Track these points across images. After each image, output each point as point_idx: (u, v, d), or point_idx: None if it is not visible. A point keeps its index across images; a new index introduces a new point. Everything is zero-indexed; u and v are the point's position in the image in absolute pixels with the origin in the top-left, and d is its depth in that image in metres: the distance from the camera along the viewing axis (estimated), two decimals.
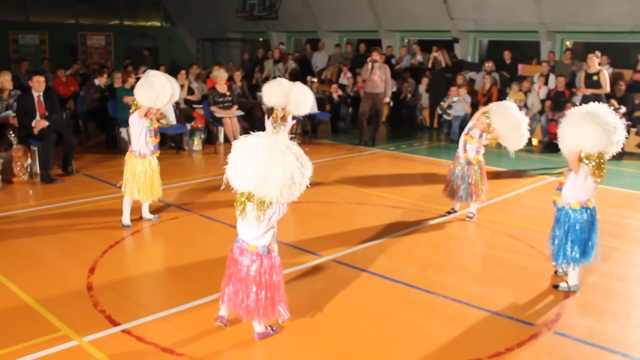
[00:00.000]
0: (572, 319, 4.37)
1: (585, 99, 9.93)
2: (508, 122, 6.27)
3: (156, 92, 5.92)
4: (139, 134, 6.15)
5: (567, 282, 4.85)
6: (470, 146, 6.55)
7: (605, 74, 10.47)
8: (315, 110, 12.36)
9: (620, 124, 4.48)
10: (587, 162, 4.53)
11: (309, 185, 3.66)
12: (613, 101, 10.42)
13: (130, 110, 6.19)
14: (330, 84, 14.33)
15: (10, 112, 8.79)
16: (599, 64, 10.77)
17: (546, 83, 12.29)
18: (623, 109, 10.47)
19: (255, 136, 3.58)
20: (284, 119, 7.26)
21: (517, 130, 6.28)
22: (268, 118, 7.32)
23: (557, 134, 4.63)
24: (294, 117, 7.59)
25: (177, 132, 10.46)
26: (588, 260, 4.75)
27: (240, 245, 3.85)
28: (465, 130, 6.62)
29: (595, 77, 10.48)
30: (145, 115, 6.11)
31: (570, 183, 4.67)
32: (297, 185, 3.54)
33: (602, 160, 4.52)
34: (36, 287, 4.74)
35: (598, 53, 10.82)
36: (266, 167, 3.43)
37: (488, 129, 6.37)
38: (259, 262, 3.80)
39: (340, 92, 13.38)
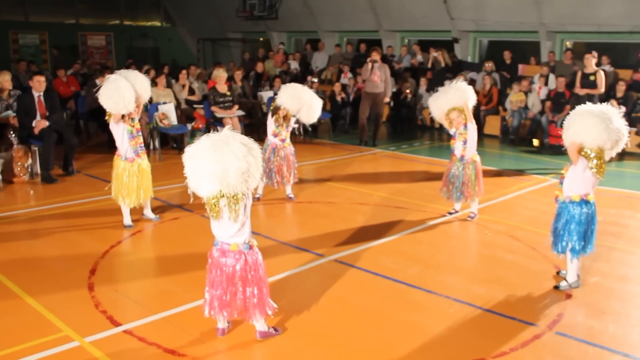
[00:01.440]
0: (573, 319, 4.38)
1: (578, 99, 9.95)
2: (457, 97, 6.48)
3: (116, 100, 5.81)
4: (121, 138, 6.10)
5: (566, 280, 4.86)
6: (458, 143, 6.58)
7: (602, 75, 10.47)
8: None
9: (625, 129, 4.57)
10: (587, 154, 4.59)
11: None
12: (613, 101, 10.42)
13: (106, 117, 6.09)
14: (330, 84, 14.31)
15: (10, 112, 8.79)
16: (598, 64, 10.77)
17: (546, 84, 12.29)
18: (623, 109, 10.47)
19: (197, 141, 3.62)
20: (286, 119, 7.26)
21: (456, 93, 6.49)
22: (272, 116, 7.30)
23: (562, 127, 4.73)
24: (296, 121, 7.57)
25: (178, 133, 10.46)
26: (587, 252, 4.80)
27: (220, 247, 3.83)
28: (453, 136, 6.64)
29: (592, 77, 10.47)
30: (123, 119, 6.03)
31: (570, 176, 4.75)
32: (253, 168, 3.57)
33: (601, 158, 4.58)
34: (37, 287, 4.74)
35: (595, 53, 10.81)
36: (218, 162, 3.47)
37: (461, 114, 6.50)
38: (243, 260, 3.80)
39: (343, 95, 13.35)
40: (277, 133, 7.28)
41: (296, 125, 8.01)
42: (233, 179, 3.52)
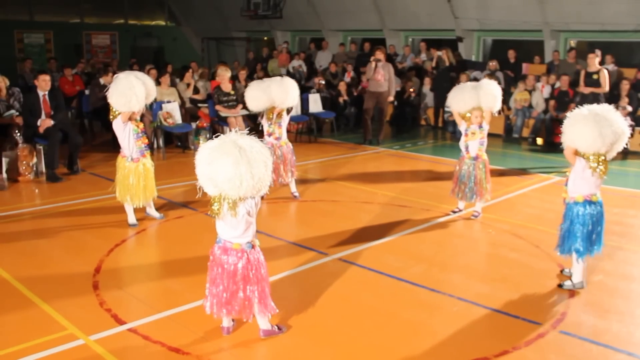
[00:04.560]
0: (577, 318, 4.37)
1: (584, 98, 9.93)
2: (487, 100, 6.45)
3: (128, 97, 5.82)
4: (127, 139, 6.09)
5: (571, 280, 4.86)
6: (473, 142, 6.55)
7: (605, 73, 10.46)
8: (319, 109, 12.39)
9: (625, 131, 4.51)
10: (584, 157, 4.58)
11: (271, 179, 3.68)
12: (623, 101, 10.40)
13: (111, 117, 6.09)
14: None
15: (13, 112, 8.82)
16: (601, 63, 10.75)
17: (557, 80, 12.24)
18: (630, 108, 10.45)
19: (206, 142, 3.61)
20: (279, 116, 7.22)
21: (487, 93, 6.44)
22: (262, 118, 7.29)
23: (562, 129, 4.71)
24: (288, 112, 7.44)
25: (182, 131, 10.49)
26: (593, 253, 4.78)
27: (223, 245, 3.82)
28: (464, 132, 6.60)
29: (595, 76, 10.47)
30: (130, 118, 6.04)
31: (572, 177, 4.75)
32: (245, 176, 3.47)
33: (601, 159, 4.55)
34: (42, 285, 4.76)
35: (598, 52, 10.81)
36: (210, 165, 3.48)
37: (482, 116, 6.49)
38: (245, 259, 3.80)
39: (346, 98, 13.33)
40: (271, 132, 7.27)
41: (290, 119, 7.85)
42: (223, 185, 3.52)
